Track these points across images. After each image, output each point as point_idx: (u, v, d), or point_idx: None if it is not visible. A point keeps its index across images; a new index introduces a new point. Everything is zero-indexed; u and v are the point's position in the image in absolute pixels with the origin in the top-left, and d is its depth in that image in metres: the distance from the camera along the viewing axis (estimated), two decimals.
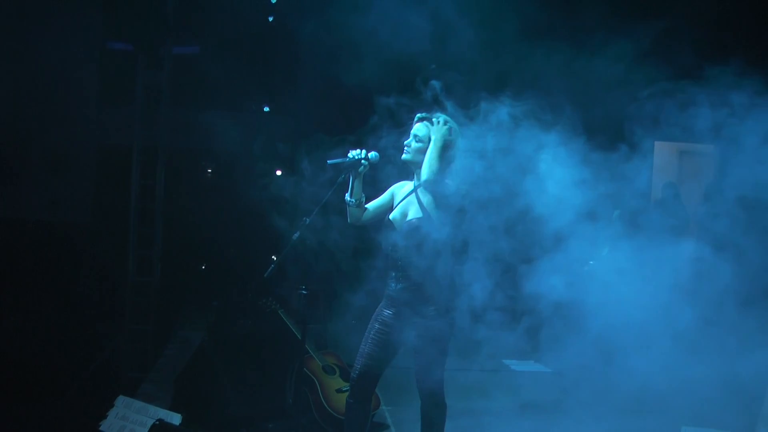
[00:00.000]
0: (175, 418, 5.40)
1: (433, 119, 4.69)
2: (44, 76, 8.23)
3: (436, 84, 4.88)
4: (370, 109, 4.97)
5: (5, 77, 8.12)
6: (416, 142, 4.70)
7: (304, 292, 4.83)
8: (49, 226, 8.96)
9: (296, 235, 4.61)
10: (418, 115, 4.75)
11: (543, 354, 8.43)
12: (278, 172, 11.33)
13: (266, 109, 10.98)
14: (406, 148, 4.73)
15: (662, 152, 11.92)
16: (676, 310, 5.79)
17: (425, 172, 4.58)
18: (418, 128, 4.72)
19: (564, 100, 5.49)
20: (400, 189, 4.90)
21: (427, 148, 4.63)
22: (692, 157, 11.97)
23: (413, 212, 4.69)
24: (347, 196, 4.74)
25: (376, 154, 4.75)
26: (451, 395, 4.90)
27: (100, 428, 5.13)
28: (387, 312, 4.79)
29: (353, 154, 4.71)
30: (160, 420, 5.19)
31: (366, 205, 4.82)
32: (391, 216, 4.77)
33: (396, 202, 4.86)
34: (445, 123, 4.68)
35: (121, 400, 5.34)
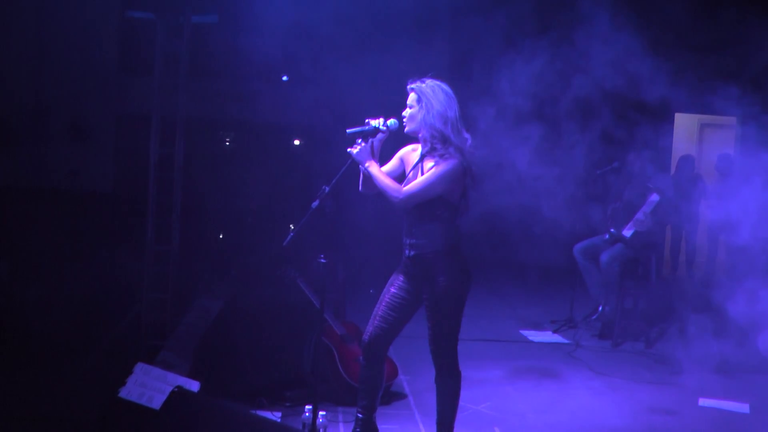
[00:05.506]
0: (194, 386, 5.43)
1: (420, 85, 4.67)
2: (64, 45, 8.22)
3: None
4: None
5: (25, 47, 8.12)
6: (409, 109, 4.70)
7: (323, 261, 4.82)
8: (68, 194, 8.99)
9: (315, 203, 4.60)
10: (408, 86, 4.73)
11: None
12: (296, 142, 11.34)
13: (285, 78, 10.95)
14: (404, 120, 4.72)
15: (683, 124, 11.82)
16: None
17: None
18: (410, 98, 4.72)
19: None
20: (410, 153, 4.86)
21: (417, 109, 4.63)
22: (714, 129, 11.87)
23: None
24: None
25: (396, 121, 4.73)
26: (467, 365, 4.90)
27: (119, 394, 5.16)
28: (402, 277, 4.80)
29: (372, 122, 4.70)
30: (178, 387, 5.22)
31: None
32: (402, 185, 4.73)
33: (407, 167, 4.84)
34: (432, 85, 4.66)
35: (140, 367, 5.36)
